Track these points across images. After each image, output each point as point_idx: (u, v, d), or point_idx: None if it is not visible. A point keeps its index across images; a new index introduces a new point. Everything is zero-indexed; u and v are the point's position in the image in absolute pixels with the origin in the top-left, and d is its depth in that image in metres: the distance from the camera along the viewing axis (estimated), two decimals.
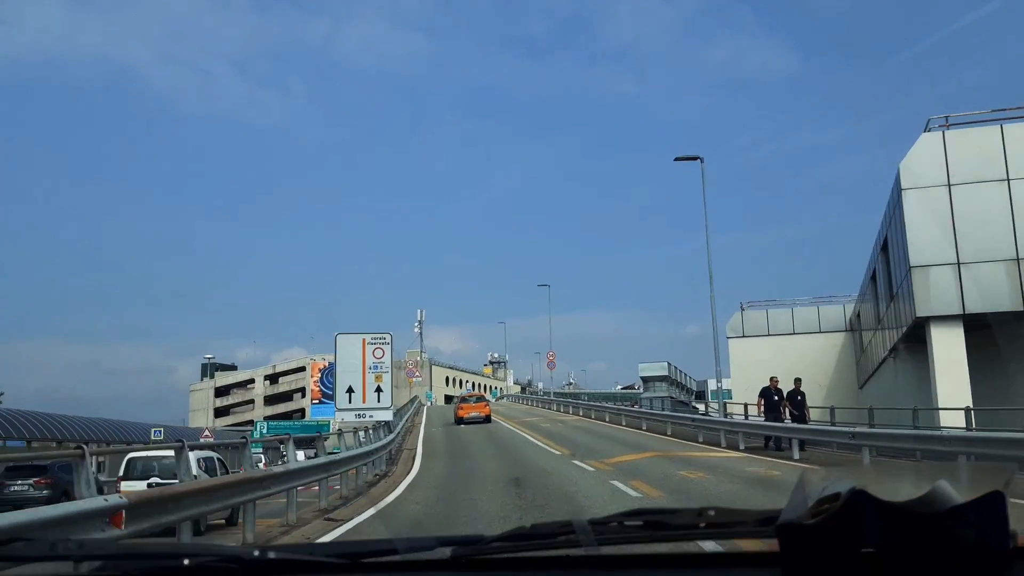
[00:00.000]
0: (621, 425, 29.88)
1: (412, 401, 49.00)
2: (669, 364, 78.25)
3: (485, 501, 11.51)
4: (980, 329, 20.40)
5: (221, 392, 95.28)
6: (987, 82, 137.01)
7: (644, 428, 27.09)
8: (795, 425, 18.75)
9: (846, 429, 17.37)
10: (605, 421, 32.89)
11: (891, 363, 28.60)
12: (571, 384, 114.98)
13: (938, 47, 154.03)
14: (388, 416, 23.59)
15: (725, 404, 26.92)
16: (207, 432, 53.01)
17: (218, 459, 16.65)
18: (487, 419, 33.46)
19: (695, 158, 26.72)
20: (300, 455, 22.86)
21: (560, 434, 25.94)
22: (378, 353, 24.04)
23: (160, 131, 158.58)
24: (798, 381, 20.02)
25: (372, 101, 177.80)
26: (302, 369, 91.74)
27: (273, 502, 11.46)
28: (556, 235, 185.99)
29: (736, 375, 38.55)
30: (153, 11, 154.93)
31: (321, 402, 75.71)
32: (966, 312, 20.62)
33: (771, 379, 20.08)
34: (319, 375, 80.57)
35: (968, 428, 14.75)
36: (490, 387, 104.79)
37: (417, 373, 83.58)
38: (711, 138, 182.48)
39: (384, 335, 24.44)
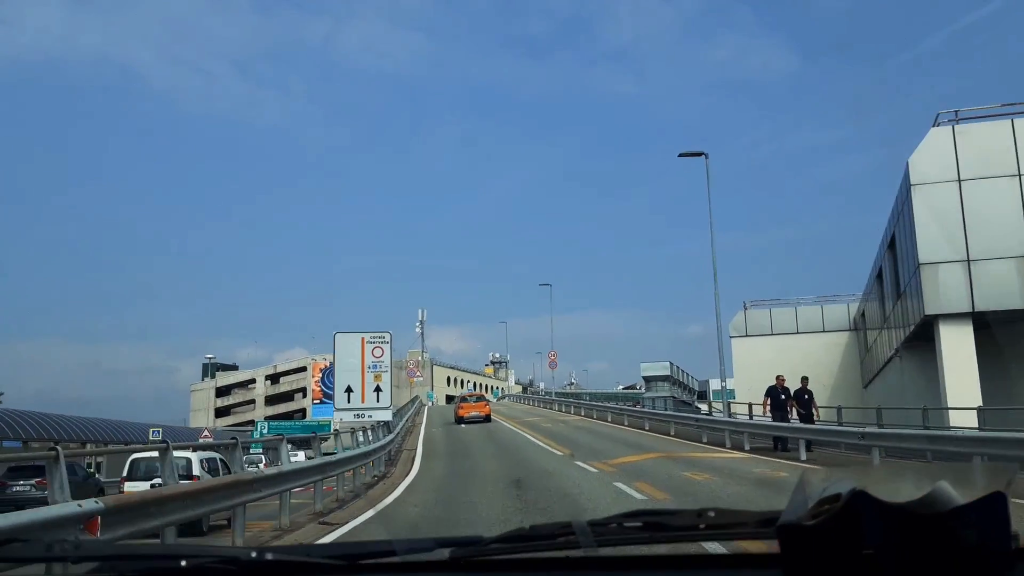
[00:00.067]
0: (623, 425, 29.58)
1: (413, 401, 48.77)
2: (671, 364, 78.07)
3: (485, 503, 11.25)
4: (987, 328, 20.08)
5: (222, 392, 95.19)
6: (987, 82, 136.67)
7: (647, 428, 26.80)
8: (802, 425, 18.41)
9: (856, 429, 17.04)
10: (607, 421, 32.64)
11: (897, 362, 28.24)
12: (572, 384, 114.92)
13: (938, 47, 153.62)
14: (387, 416, 23.30)
15: (729, 404, 26.59)
16: (206, 432, 52.71)
17: (221, 460, 16.39)
18: (487, 418, 33.99)
19: (700, 154, 26.39)
20: (301, 456, 22.83)
21: (562, 434, 25.68)
22: (377, 352, 23.70)
23: (160, 131, 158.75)
24: (805, 380, 19.60)
25: (372, 101, 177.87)
26: (303, 369, 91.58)
27: (268, 504, 11.17)
28: (557, 235, 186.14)
29: (739, 375, 38.23)
30: (153, 11, 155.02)
31: (322, 402, 75.40)
32: (975, 310, 20.28)
33: (777, 377, 19.68)
34: (320, 375, 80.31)
35: (981, 428, 14.43)
36: (491, 387, 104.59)
37: (418, 373, 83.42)
38: (711, 138, 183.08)
39: (383, 334, 24.11)
